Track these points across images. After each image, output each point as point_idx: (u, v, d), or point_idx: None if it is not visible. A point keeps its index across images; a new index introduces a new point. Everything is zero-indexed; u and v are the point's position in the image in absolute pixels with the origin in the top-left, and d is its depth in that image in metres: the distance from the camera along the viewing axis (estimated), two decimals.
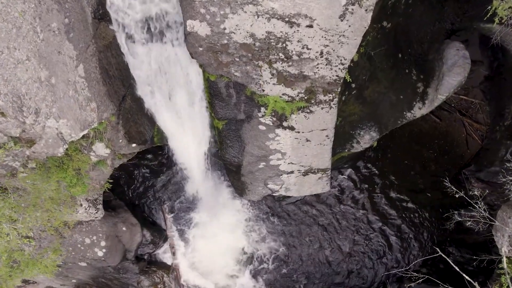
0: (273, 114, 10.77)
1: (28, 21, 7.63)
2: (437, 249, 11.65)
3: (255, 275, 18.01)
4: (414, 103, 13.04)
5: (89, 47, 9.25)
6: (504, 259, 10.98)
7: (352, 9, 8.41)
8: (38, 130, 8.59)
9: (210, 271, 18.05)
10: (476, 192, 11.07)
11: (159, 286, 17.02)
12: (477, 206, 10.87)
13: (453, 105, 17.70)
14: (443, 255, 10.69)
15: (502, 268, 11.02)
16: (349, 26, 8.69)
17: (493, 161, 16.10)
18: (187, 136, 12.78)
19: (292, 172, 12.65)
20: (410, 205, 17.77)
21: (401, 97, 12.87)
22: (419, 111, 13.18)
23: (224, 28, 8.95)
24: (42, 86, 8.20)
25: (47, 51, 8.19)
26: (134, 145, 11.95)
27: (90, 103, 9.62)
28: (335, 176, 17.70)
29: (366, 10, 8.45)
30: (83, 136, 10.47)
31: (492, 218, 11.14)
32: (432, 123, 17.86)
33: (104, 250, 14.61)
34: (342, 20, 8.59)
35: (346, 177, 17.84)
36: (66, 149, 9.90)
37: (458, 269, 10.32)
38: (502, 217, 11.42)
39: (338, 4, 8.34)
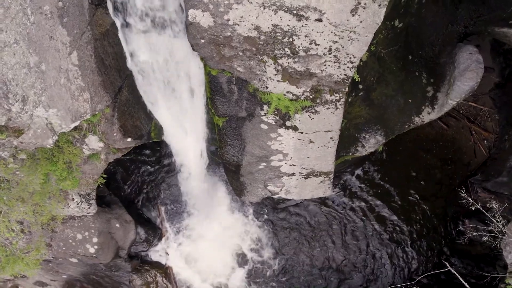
0: (276, 112, 10.33)
1: (18, 2, 7.12)
2: (446, 263, 11.17)
3: (249, 277, 17.65)
4: (423, 107, 12.60)
5: (84, 33, 8.76)
6: None
7: (365, 4, 7.91)
8: (26, 119, 8.11)
9: (205, 270, 17.74)
10: (494, 205, 10.57)
11: (151, 285, 16.68)
12: (494, 220, 10.36)
13: (461, 111, 17.27)
14: (454, 272, 10.20)
15: (509, 284, 10.57)
16: (361, 21, 8.20)
17: (501, 171, 15.72)
18: (186, 132, 12.41)
19: (293, 174, 12.22)
20: (413, 212, 17.36)
21: (410, 100, 12.44)
22: (427, 116, 12.74)
23: (228, 20, 8.47)
24: (31, 72, 7.72)
25: (38, 36, 7.70)
26: (129, 139, 11.51)
27: (83, 93, 9.14)
28: (337, 180, 17.32)
29: (379, 5, 7.96)
30: (76, 128, 10.01)
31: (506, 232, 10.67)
32: (439, 130, 17.45)
33: (96, 247, 14.26)
34: (353, 15, 8.10)
35: (348, 181, 17.44)
36: (57, 140, 9.42)
37: None
38: None
39: None
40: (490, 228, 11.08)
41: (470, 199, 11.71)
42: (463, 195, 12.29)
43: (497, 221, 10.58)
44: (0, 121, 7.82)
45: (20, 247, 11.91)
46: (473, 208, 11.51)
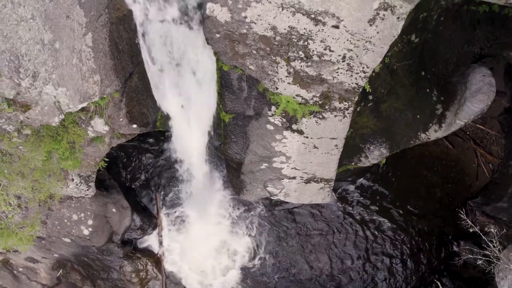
0: (283, 114, 10.31)
1: None
2: (438, 283, 11.13)
3: (241, 275, 17.64)
4: (431, 124, 12.55)
5: (101, 16, 8.76)
6: None
7: (384, 15, 7.89)
8: (34, 95, 8.12)
9: (196, 264, 17.69)
10: (492, 230, 10.52)
11: (141, 273, 16.67)
12: (491, 245, 10.32)
13: (468, 133, 17.20)
14: None
15: None
16: (378, 32, 8.17)
17: (502, 196, 15.63)
18: (191, 125, 12.37)
19: (294, 177, 12.19)
20: (409, 228, 17.31)
21: (418, 116, 12.38)
22: (434, 133, 12.69)
23: (245, 17, 8.47)
24: (44, 49, 7.73)
25: (55, 14, 7.71)
26: (134, 126, 11.50)
27: (94, 75, 9.14)
28: (337, 188, 17.27)
29: (398, 18, 7.93)
30: (83, 109, 10.00)
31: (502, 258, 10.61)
32: (444, 148, 17.37)
33: (90, 229, 14.25)
34: (371, 25, 8.07)
35: (347, 190, 17.39)
36: (63, 119, 9.44)
37: None
38: (508, 257, 10.88)
39: (369, 7, 7.82)
40: (486, 252, 11.03)
41: (469, 221, 11.66)
42: (462, 216, 12.23)
43: (494, 246, 10.53)
44: (8, 94, 7.83)
45: (15, 221, 11.92)
46: (471, 230, 11.45)
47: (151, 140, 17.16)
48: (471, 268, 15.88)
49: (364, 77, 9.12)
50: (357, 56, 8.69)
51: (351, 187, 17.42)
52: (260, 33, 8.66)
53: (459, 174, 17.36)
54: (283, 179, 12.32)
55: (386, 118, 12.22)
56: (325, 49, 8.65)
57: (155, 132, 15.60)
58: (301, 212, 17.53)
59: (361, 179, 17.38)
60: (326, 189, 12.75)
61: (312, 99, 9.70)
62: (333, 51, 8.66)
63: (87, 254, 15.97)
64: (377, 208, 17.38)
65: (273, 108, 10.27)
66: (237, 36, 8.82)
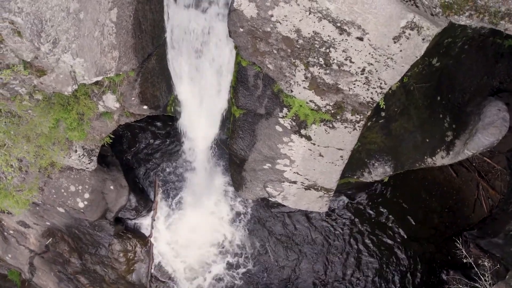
0: (294, 118, 10.29)
1: None
2: None
3: (229, 269, 17.63)
4: (439, 150, 12.50)
5: None
6: None
7: (409, 34, 7.85)
8: (52, 62, 8.13)
9: (185, 253, 17.71)
10: (486, 264, 10.47)
11: (129, 254, 16.69)
12: (483, 278, 10.28)
13: (474, 164, 17.10)
14: None
15: None
16: (401, 50, 8.14)
17: (498, 232, 15.54)
18: (202, 114, 12.37)
19: (295, 182, 12.17)
20: (401, 250, 17.24)
21: (427, 140, 12.34)
22: (440, 160, 12.64)
23: (272, 15, 8.46)
24: (68, 18, 7.73)
25: None
26: (145, 107, 11.51)
27: (113, 50, 9.15)
28: (335, 199, 17.22)
29: (423, 39, 7.89)
30: (96, 83, 10.01)
31: None
32: (447, 176, 17.29)
33: (85, 203, 14.26)
34: (395, 42, 8.04)
35: (345, 203, 17.35)
36: (76, 90, 9.44)
37: None
38: None
39: (396, 25, 7.79)
40: (477, 285, 10.98)
41: (464, 252, 11.60)
42: (458, 245, 12.17)
43: (485, 280, 10.49)
44: (26, 57, 7.84)
45: (13, 183, 11.93)
46: (464, 261, 11.41)
47: (159, 123, 17.17)
48: None
49: (380, 93, 9.10)
50: (377, 71, 8.66)
51: (349, 201, 17.37)
52: (284, 34, 8.65)
53: (458, 203, 17.28)
54: (283, 182, 12.31)
55: (395, 137, 12.19)
56: (346, 59, 8.62)
57: (164, 116, 15.59)
58: (297, 217, 17.51)
59: (360, 194, 17.33)
60: (325, 198, 12.73)
61: (325, 107, 9.68)
62: (353, 63, 8.64)
63: (79, 227, 15.98)
64: (372, 224, 17.34)
65: (285, 110, 10.26)
66: (260, 33, 8.81)
